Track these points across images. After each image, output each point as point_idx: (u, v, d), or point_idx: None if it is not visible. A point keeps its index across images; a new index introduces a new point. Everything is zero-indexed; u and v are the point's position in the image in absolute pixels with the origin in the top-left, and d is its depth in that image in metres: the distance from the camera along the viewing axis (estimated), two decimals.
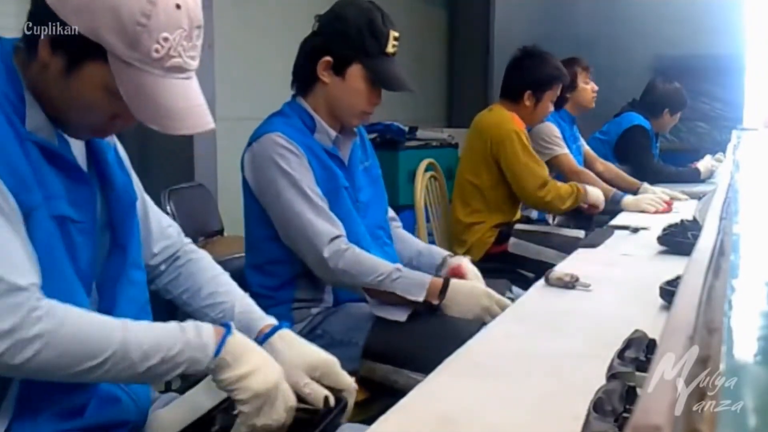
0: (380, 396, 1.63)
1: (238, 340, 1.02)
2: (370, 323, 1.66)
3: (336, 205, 1.69)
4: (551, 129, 3.14)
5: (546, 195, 2.72)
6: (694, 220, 2.09)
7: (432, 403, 0.98)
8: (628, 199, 3.02)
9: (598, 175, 3.32)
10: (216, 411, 1.04)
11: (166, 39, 0.93)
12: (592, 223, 2.93)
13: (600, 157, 3.64)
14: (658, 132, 4.05)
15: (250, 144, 1.70)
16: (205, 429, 1.04)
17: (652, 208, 2.91)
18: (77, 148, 1.07)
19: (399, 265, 1.65)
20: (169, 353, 0.96)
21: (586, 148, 3.63)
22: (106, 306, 1.06)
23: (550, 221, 3.17)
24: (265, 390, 1.00)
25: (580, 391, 0.81)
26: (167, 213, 2.58)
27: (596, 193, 2.83)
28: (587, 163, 3.49)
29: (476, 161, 2.83)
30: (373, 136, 4.20)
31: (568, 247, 2.36)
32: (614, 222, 2.65)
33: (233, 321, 1.17)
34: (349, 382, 1.16)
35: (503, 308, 1.57)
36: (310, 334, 1.67)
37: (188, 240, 1.32)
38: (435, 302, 1.61)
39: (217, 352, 0.99)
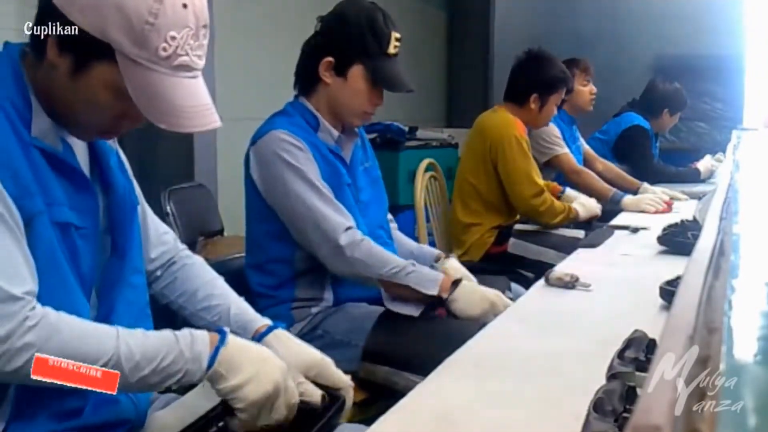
0: (380, 397, 1.63)
1: (232, 349, 1.01)
2: (370, 324, 1.66)
3: (340, 202, 1.69)
4: (551, 129, 3.14)
5: (541, 205, 2.71)
6: (694, 220, 2.09)
7: (432, 403, 0.98)
8: (628, 199, 3.02)
9: (598, 174, 3.31)
10: (215, 412, 1.04)
11: (173, 38, 0.93)
12: (592, 223, 2.93)
13: (600, 157, 3.64)
14: (657, 132, 4.05)
15: (254, 142, 1.70)
16: (203, 430, 1.04)
17: (652, 208, 2.90)
18: (80, 154, 1.07)
19: (413, 261, 1.66)
20: (161, 364, 0.96)
21: (586, 148, 3.62)
22: (105, 310, 1.06)
23: None
24: (261, 398, 1.00)
25: (580, 391, 0.81)
26: (167, 213, 2.59)
27: (590, 210, 2.83)
28: (587, 163, 3.48)
29: (476, 162, 2.83)
30: (373, 136, 4.19)
31: (568, 247, 2.36)
32: (614, 222, 2.65)
33: (229, 323, 1.18)
34: (345, 380, 1.16)
35: (506, 308, 1.58)
36: (310, 334, 1.67)
37: (183, 246, 1.33)
38: (444, 295, 1.61)
39: (210, 364, 0.98)
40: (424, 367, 1.15)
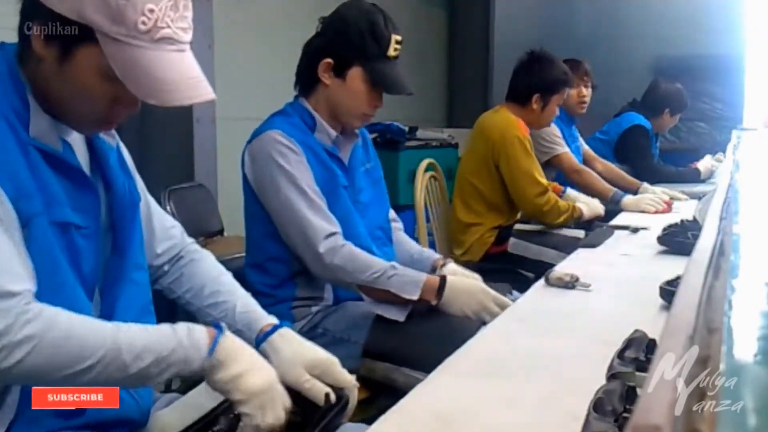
0: (380, 395, 1.63)
1: (230, 341, 1.02)
2: (370, 322, 1.66)
3: (335, 204, 1.70)
4: (551, 128, 3.14)
5: (545, 204, 2.71)
6: (694, 220, 2.09)
7: (432, 403, 0.98)
8: (628, 199, 3.02)
9: (598, 174, 3.31)
10: (217, 411, 1.04)
11: (151, 10, 0.93)
12: (592, 223, 2.93)
13: (600, 157, 3.64)
14: (657, 132, 4.06)
15: (250, 141, 1.71)
16: (206, 430, 1.04)
17: (652, 208, 2.90)
18: (80, 153, 1.07)
19: (395, 263, 1.65)
20: (161, 354, 0.96)
21: (586, 148, 3.62)
22: (107, 307, 1.06)
23: None
24: (261, 389, 1.00)
25: (580, 391, 0.81)
26: (167, 213, 2.59)
27: (594, 210, 2.83)
28: (587, 163, 3.48)
29: (478, 162, 2.83)
30: (373, 136, 4.16)
31: (568, 247, 2.36)
32: (614, 222, 2.65)
33: (234, 320, 1.18)
34: (349, 379, 1.16)
35: (502, 306, 1.58)
36: (310, 333, 1.68)
37: (191, 240, 1.32)
38: (433, 302, 1.61)
39: (211, 351, 0.99)
40: (424, 363, 1.15)
